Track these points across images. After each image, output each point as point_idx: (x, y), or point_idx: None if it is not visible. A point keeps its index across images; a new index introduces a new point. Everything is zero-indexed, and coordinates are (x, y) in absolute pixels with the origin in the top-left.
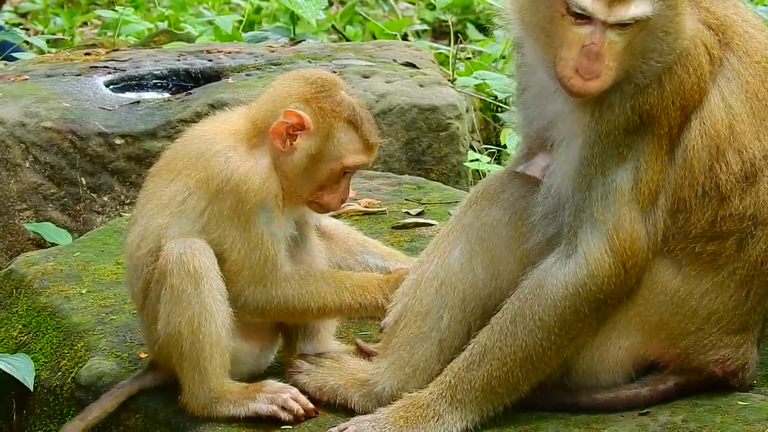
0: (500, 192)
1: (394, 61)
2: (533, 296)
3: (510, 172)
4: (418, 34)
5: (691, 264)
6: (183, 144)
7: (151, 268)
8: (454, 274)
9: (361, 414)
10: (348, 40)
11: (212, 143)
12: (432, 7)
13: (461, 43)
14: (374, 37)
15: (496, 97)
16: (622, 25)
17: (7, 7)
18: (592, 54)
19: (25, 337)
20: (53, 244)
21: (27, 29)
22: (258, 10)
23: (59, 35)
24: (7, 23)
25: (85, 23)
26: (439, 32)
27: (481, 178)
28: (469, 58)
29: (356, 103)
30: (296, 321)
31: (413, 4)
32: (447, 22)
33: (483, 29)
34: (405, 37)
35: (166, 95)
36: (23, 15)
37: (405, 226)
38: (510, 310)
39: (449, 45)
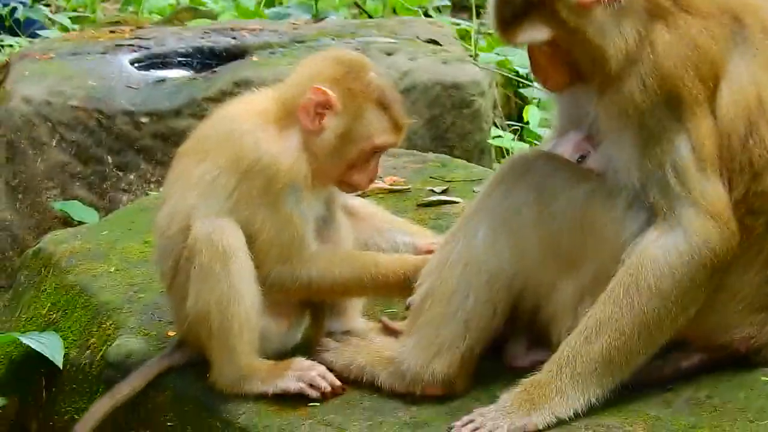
0: (525, 172)
1: (417, 38)
2: (645, 269)
3: (535, 151)
4: (438, 9)
5: None
6: (212, 124)
7: (181, 248)
8: (479, 255)
9: (388, 392)
10: (370, 15)
11: (242, 123)
12: None
13: (482, 17)
14: (395, 12)
15: (517, 73)
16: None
17: None
18: (531, 62)
19: (54, 315)
20: (80, 223)
21: (49, 5)
22: None
23: (80, 11)
24: None
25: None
26: (459, 6)
27: (504, 155)
28: (491, 33)
29: (385, 84)
30: (321, 299)
31: None
32: None
33: None
34: (426, 12)
35: (191, 73)
36: None
37: (430, 204)
38: (620, 284)
39: (470, 19)
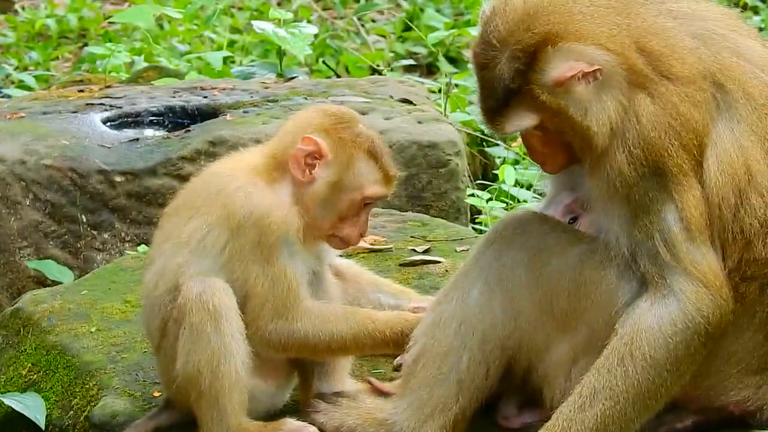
0: (518, 233)
1: (391, 97)
2: (639, 338)
3: (528, 212)
4: (389, 67)
5: None
6: (200, 182)
7: (170, 307)
8: (473, 314)
9: None
10: (337, 75)
11: (232, 179)
12: (402, 40)
13: (448, 78)
14: (347, 71)
15: (482, 132)
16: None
17: None
18: (526, 147)
19: (35, 375)
20: (55, 282)
21: None
22: (231, 43)
23: (31, 69)
24: None
25: (57, 57)
26: (408, 66)
27: (478, 214)
28: (456, 93)
29: (375, 135)
30: (318, 357)
31: (384, 37)
32: (417, 54)
33: (454, 61)
34: (374, 71)
35: (164, 132)
36: None
37: (412, 264)
38: (614, 353)
39: (420, 77)
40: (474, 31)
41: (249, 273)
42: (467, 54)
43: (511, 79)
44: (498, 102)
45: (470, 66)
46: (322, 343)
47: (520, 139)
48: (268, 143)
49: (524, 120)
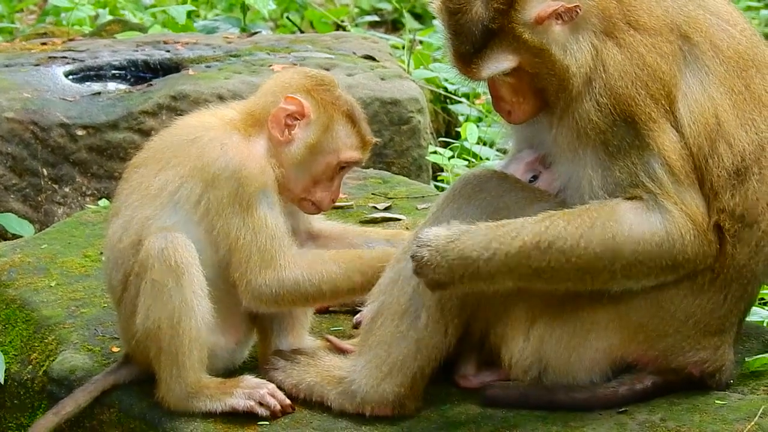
0: (477, 191)
1: (354, 53)
2: (614, 222)
3: (488, 170)
4: (354, 22)
5: None
6: (171, 134)
7: (132, 261)
8: None
9: (338, 411)
10: (301, 30)
11: (206, 131)
12: None
13: (412, 34)
14: (312, 26)
15: (446, 89)
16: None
17: None
18: (493, 96)
19: None
20: (15, 236)
21: None
22: None
23: None
24: None
25: (21, 10)
26: (373, 22)
27: (440, 172)
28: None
29: (353, 101)
30: (310, 306)
31: None
32: (382, 10)
33: (419, 18)
34: (339, 27)
35: (126, 86)
36: None
37: (373, 221)
38: (589, 218)
39: (385, 33)
40: None
41: (230, 226)
42: (433, 3)
43: (491, 20)
44: (474, 46)
45: (438, 15)
46: (313, 289)
47: (483, 97)
48: (244, 101)
49: (502, 62)
